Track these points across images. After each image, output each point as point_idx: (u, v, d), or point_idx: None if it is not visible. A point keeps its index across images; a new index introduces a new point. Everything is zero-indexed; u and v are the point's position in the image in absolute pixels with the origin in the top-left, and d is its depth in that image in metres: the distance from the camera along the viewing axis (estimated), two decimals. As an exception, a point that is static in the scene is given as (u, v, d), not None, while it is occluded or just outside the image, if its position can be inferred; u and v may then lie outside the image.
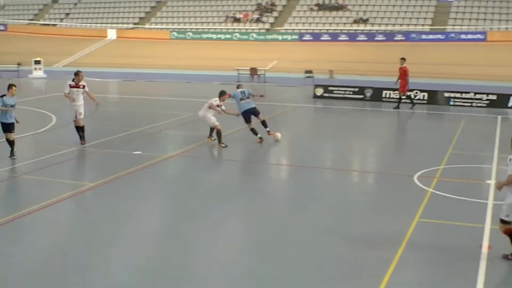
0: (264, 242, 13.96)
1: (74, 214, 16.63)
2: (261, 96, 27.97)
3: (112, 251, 13.27)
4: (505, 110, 36.03)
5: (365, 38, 71.37)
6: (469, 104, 37.93)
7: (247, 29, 77.98)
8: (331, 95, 41.88)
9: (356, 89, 41.66)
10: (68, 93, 24.31)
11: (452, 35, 68.54)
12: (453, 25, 70.56)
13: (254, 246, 13.81)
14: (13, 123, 21.61)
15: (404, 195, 17.82)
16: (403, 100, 37.39)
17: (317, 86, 43.58)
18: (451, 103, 38.53)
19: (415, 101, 38.57)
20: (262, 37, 75.77)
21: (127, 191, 18.11)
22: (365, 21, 74.27)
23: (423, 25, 71.83)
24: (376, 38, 70.67)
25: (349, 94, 41.48)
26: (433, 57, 61.57)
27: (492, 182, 18.44)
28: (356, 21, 74.51)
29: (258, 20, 79.18)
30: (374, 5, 76.44)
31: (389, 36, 70.28)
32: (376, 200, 17.75)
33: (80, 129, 24.46)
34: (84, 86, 24.60)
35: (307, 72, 53.94)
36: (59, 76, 52.30)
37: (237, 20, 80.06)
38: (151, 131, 27.69)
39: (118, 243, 13.73)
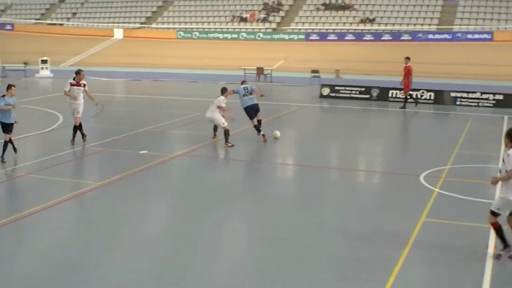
0: (269, 241, 13.94)
1: (79, 213, 16.65)
2: (261, 96, 27.90)
3: (116, 251, 13.25)
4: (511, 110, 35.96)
5: (372, 38, 71.29)
6: (476, 104, 37.86)
7: (253, 28, 77.96)
8: (337, 94, 41.85)
9: (363, 89, 41.61)
10: (69, 91, 24.34)
11: (459, 35, 68.41)
12: (460, 25, 70.42)
13: (259, 245, 13.81)
14: (12, 124, 21.56)
15: (410, 195, 17.79)
16: (408, 100, 37.38)
17: (323, 85, 43.54)
18: (458, 103, 38.47)
19: (421, 100, 38.62)
20: (269, 36, 75.72)
21: (133, 190, 18.10)
22: (371, 21, 74.19)
23: (429, 24, 71.71)
24: (382, 38, 70.57)
25: (356, 93, 41.44)
26: (440, 57, 61.48)
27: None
28: (362, 21, 74.44)
29: (264, 20, 79.16)
30: (380, 5, 76.35)
31: (396, 36, 70.18)
32: (382, 200, 17.73)
33: (76, 128, 24.35)
34: (84, 85, 24.63)
35: (313, 71, 53.93)
36: (66, 75, 52.02)
37: (243, 19, 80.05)
38: (157, 131, 27.69)
39: (123, 243, 13.73)
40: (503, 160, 12.60)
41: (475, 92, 38.41)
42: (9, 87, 21.59)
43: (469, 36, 67.95)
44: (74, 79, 24.52)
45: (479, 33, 67.96)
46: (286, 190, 18.98)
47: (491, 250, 13.09)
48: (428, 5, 74.72)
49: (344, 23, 75.32)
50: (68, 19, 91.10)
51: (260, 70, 56.18)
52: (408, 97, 37.29)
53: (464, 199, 16.91)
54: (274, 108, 36.98)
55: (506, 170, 12.38)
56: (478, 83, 47.71)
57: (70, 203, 16.91)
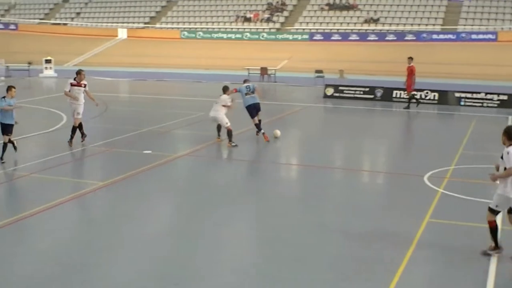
0: (271, 241, 13.94)
1: (82, 213, 16.65)
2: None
3: (118, 251, 13.25)
4: (516, 111, 35.93)
5: (376, 38, 71.22)
6: (480, 104, 37.81)
7: (257, 28, 77.96)
8: (341, 95, 41.83)
9: (367, 89, 41.59)
10: (69, 91, 24.28)
11: (463, 35, 68.33)
12: (464, 25, 70.34)
13: (261, 245, 13.81)
14: (12, 125, 21.44)
15: (414, 195, 17.77)
16: (411, 100, 37.36)
17: (327, 85, 43.56)
18: (462, 103, 38.43)
19: (425, 101, 38.66)
20: (273, 36, 75.71)
21: (136, 190, 18.10)
22: (375, 21, 74.14)
23: (434, 25, 71.64)
24: (386, 38, 70.50)
25: (360, 94, 41.42)
26: (444, 57, 61.43)
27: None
28: (366, 21, 74.40)
29: (268, 20, 79.14)
30: (385, 5, 76.30)
31: (400, 36, 70.11)
32: (386, 200, 17.72)
33: (75, 129, 24.22)
34: (85, 85, 24.48)
35: (317, 71, 53.93)
36: (70, 75, 51.91)
37: (247, 19, 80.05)
38: (161, 131, 27.69)
39: (125, 243, 13.71)
40: (501, 157, 12.67)
41: (479, 93, 38.37)
42: (9, 88, 21.47)
43: (474, 36, 67.88)
44: (74, 79, 24.41)
45: (483, 33, 67.91)
46: (289, 190, 18.97)
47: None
48: (432, 5, 74.65)
49: (348, 23, 75.29)
50: (72, 19, 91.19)
51: (264, 70, 56.18)
52: (409, 96, 37.25)
53: (468, 200, 16.88)
54: (278, 108, 36.98)
55: (505, 168, 12.47)
56: (482, 83, 47.67)
57: (73, 203, 16.92)
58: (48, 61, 59.36)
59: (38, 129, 27.44)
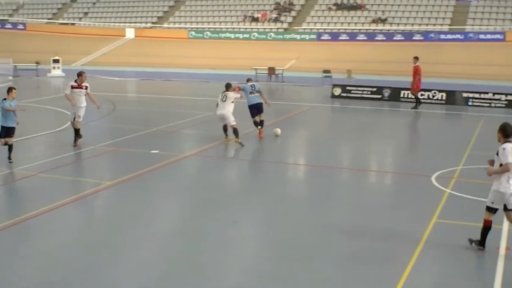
0: (278, 241, 13.97)
1: (90, 213, 16.70)
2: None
3: (125, 250, 13.28)
4: (524, 111, 35.85)
5: (384, 38, 71.07)
6: (488, 105, 37.71)
7: (265, 28, 77.90)
8: (349, 95, 41.79)
9: (374, 89, 41.53)
10: (70, 93, 24.12)
11: (471, 35, 68.15)
12: (472, 25, 70.14)
13: (268, 245, 13.81)
14: (14, 128, 21.30)
15: (421, 196, 17.76)
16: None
17: (335, 86, 43.50)
18: (470, 103, 38.32)
19: (433, 101, 38.61)
20: (280, 36, 75.65)
21: (143, 190, 18.13)
22: (383, 21, 74.02)
23: (441, 25, 71.48)
24: (394, 38, 70.34)
25: (367, 94, 41.37)
26: (452, 57, 61.32)
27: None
28: (374, 21, 74.27)
29: (276, 20, 79.08)
30: (392, 5, 76.16)
31: (408, 36, 69.96)
32: (393, 200, 17.71)
33: (75, 131, 24.11)
34: (86, 87, 24.24)
35: (325, 71, 53.85)
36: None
37: (255, 19, 80.00)
38: (169, 130, 27.73)
39: (132, 243, 13.73)
40: (496, 154, 12.85)
41: (487, 93, 38.26)
42: (10, 90, 21.27)
43: (481, 36, 67.68)
44: (75, 81, 24.24)
45: (491, 33, 67.71)
46: (296, 190, 18.98)
47: (502, 251, 13.07)
48: (440, 5, 74.47)
49: (356, 23, 75.17)
50: (80, 18, 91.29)
51: (271, 70, 56.14)
52: (419, 96, 37.22)
53: (476, 200, 16.82)
54: (286, 108, 36.98)
55: (501, 164, 12.67)
56: (490, 83, 47.57)
57: (80, 202, 16.96)
58: (56, 61, 59.43)
59: (46, 128, 27.50)
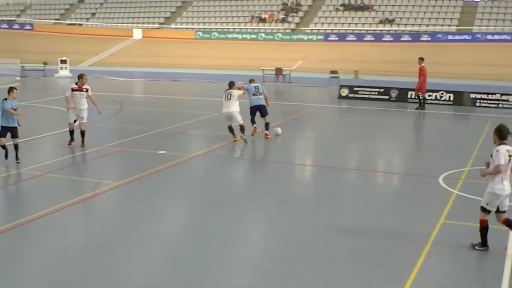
0: (284, 241, 13.95)
1: (97, 213, 16.70)
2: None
3: (132, 250, 13.27)
4: (531, 112, 35.77)
5: (391, 39, 71.09)
6: (495, 105, 37.66)
7: (272, 29, 77.95)
8: (356, 95, 41.78)
9: (381, 90, 41.51)
10: (70, 96, 24.05)
11: (479, 35, 68.11)
12: (480, 26, 70.12)
13: (274, 245, 13.78)
14: (16, 127, 21.22)
15: (429, 197, 17.73)
16: (425, 100, 37.33)
17: (342, 86, 43.51)
18: (477, 104, 38.28)
19: (440, 101, 38.59)
20: (288, 37, 75.71)
21: (150, 190, 18.14)
22: (391, 22, 74.01)
23: (449, 25, 71.45)
24: (402, 39, 70.37)
25: (374, 94, 41.35)
26: (459, 57, 61.28)
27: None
28: (382, 22, 74.28)
29: (283, 20, 79.16)
30: (400, 6, 76.18)
31: (415, 37, 69.97)
32: (400, 201, 17.68)
33: (83, 132, 24.02)
34: (87, 90, 24.09)
35: (332, 72, 53.87)
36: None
37: (262, 20, 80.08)
38: (176, 131, 27.74)
39: (140, 243, 13.74)
40: (491, 156, 13.01)
41: (494, 94, 38.21)
42: (11, 90, 21.17)
43: (489, 37, 67.68)
44: (76, 84, 24.16)
45: (499, 34, 67.68)
46: (303, 191, 18.97)
47: (510, 251, 13.05)
48: (447, 6, 74.46)
49: (363, 23, 75.20)
50: (88, 19, 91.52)
51: (279, 71, 56.17)
52: (422, 97, 37.14)
53: (483, 201, 16.82)
54: (293, 108, 37.00)
55: (494, 166, 12.82)
56: (497, 84, 47.51)
57: (87, 202, 16.98)
58: (63, 61, 59.58)
59: (53, 129, 27.54)
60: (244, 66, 62.47)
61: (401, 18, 74.29)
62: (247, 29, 79.54)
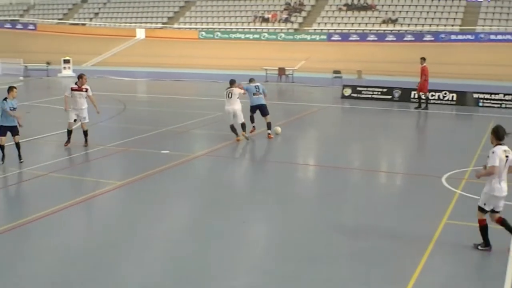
0: (286, 241, 13.97)
1: (99, 213, 16.71)
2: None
3: (133, 250, 13.27)
4: (535, 112, 35.72)
5: (394, 39, 71.00)
6: (498, 105, 37.59)
7: (275, 29, 77.91)
8: (359, 95, 41.74)
9: (385, 90, 41.47)
10: (70, 96, 24.05)
11: (482, 35, 68.01)
12: (483, 26, 70.00)
13: (276, 245, 13.79)
14: (16, 126, 21.13)
15: (432, 197, 17.72)
16: (429, 100, 37.28)
17: (345, 86, 43.47)
18: (480, 104, 38.22)
19: (443, 101, 38.55)
20: (291, 37, 75.67)
21: (153, 190, 18.15)
22: (394, 21, 73.93)
23: (452, 25, 71.35)
24: (405, 39, 70.28)
25: (377, 94, 41.31)
26: (462, 57, 61.19)
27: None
28: (385, 21, 74.20)
29: (286, 20, 79.11)
30: (403, 5, 76.08)
31: (418, 37, 69.89)
32: (403, 201, 17.67)
33: (86, 132, 24.05)
34: (87, 90, 24.07)
35: (335, 72, 53.83)
36: (88, 75, 52.31)
37: (265, 20, 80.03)
38: (179, 130, 27.75)
39: (142, 243, 13.75)
40: (488, 157, 13.15)
41: (498, 94, 38.15)
42: (11, 89, 21.15)
43: (492, 37, 67.56)
44: (76, 84, 24.17)
45: (502, 34, 67.55)
46: (306, 191, 18.97)
47: (513, 252, 13.07)
48: (451, 6, 74.34)
49: (366, 23, 75.12)
50: (91, 19, 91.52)
51: (282, 71, 56.15)
52: (425, 97, 37.10)
53: (486, 201, 16.81)
54: (296, 108, 36.99)
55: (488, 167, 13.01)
56: (501, 84, 47.44)
57: (90, 202, 17.00)
58: (66, 61, 59.54)
59: (56, 128, 27.54)
60: (247, 66, 62.41)
61: (404, 18, 74.20)
62: (250, 29, 79.51)
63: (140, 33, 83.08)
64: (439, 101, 38.85)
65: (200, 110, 34.78)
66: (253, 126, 26.50)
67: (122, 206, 16.99)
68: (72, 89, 24.03)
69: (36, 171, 20.04)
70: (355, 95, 41.93)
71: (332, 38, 73.54)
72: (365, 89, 42.29)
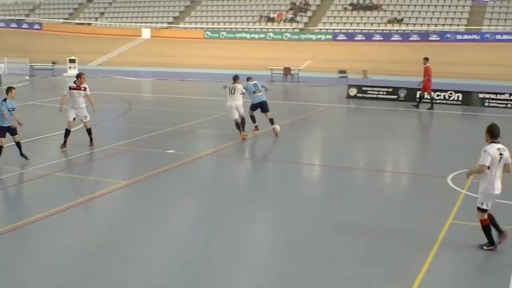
0: (291, 241, 13.97)
1: (104, 212, 16.70)
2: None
3: (138, 249, 13.27)
4: (541, 112, 35.65)
5: (400, 38, 70.93)
6: (504, 105, 37.51)
7: (281, 28, 77.90)
8: (364, 95, 41.69)
9: (390, 90, 41.41)
10: (68, 95, 24.05)
11: (488, 35, 67.90)
12: (489, 26, 69.90)
13: (280, 245, 13.80)
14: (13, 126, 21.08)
15: (437, 197, 17.69)
16: (433, 100, 37.25)
17: (350, 86, 43.41)
18: (486, 104, 38.14)
19: (449, 101, 38.52)
20: (296, 36, 75.65)
21: (159, 190, 18.16)
22: (399, 21, 73.86)
23: (458, 25, 71.24)
24: (410, 38, 70.20)
25: (383, 94, 41.27)
26: (468, 57, 61.10)
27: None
28: (390, 21, 74.13)
29: (292, 20, 79.09)
30: (408, 5, 76.00)
31: (424, 36, 69.80)
32: (408, 201, 17.65)
33: (89, 130, 24.06)
34: (85, 89, 24.04)
35: (340, 72, 53.77)
36: (94, 74, 52.70)
37: (271, 19, 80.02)
38: (184, 130, 27.76)
39: (146, 242, 13.75)
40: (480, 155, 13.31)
41: (503, 94, 38.05)
42: (9, 89, 21.12)
43: (498, 37, 67.45)
44: (74, 83, 24.16)
45: (508, 33, 67.43)
46: (311, 190, 18.96)
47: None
48: (456, 6, 74.24)
49: (372, 23, 75.07)
50: (96, 18, 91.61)
51: (287, 70, 56.12)
52: (429, 97, 37.04)
53: (492, 201, 16.78)
54: (302, 108, 36.96)
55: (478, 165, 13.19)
56: (506, 84, 47.35)
57: (95, 202, 17.01)
58: (72, 61, 59.62)
59: (60, 128, 27.49)
60: (252, 66, 62.33)
61: (409, 17, 74.13)
62: (255, 28, 79.52)
63: (146, 33, 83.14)
64: (444, 101, 38.79)
65: (206, 110, 34.77)
66: (256, 126, 26.50)
67: (127, 206, 17.00)
68: (70, 88, 24.09)
69: (41, 171, 20.06)
70: (360, 95, 41.89)
71: (338, 38, 73.50)
72: (370, 89, 42.23)
